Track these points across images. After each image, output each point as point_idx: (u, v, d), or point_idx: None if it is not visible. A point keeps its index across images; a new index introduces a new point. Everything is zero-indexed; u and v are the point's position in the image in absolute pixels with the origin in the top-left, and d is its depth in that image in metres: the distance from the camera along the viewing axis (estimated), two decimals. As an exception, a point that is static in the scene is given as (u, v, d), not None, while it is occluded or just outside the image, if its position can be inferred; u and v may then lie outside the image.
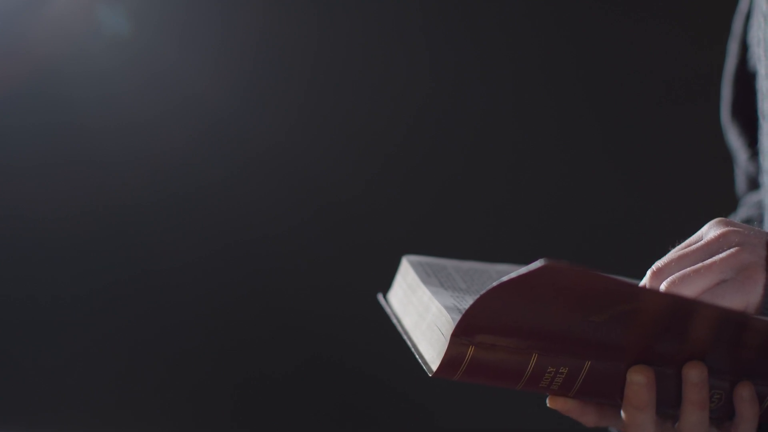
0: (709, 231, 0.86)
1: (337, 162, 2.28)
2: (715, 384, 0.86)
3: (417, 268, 0.95)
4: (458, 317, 0.81)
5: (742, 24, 1.21)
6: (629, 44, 2.28)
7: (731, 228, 0.85)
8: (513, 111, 2.30)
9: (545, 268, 0.74)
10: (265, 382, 2.30)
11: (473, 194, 2.29)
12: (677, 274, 0.84)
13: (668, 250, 0.86)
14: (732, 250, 0.84)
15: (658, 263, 0.85)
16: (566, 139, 2.30)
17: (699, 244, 0.85)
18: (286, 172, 2.27)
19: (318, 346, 2.29)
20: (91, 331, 2.26)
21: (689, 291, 0.83)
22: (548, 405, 0.86)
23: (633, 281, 0.85)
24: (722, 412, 0.87)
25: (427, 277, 0.93)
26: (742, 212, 1.22)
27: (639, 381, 0.84)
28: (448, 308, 0.85)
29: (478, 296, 0.78)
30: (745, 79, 1.20)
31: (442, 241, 2.27)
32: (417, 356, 0.86)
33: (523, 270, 0.75)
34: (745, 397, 0.86)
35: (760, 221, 1.16)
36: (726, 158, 1.32)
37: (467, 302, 0.81)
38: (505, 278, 0.76)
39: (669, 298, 0.80)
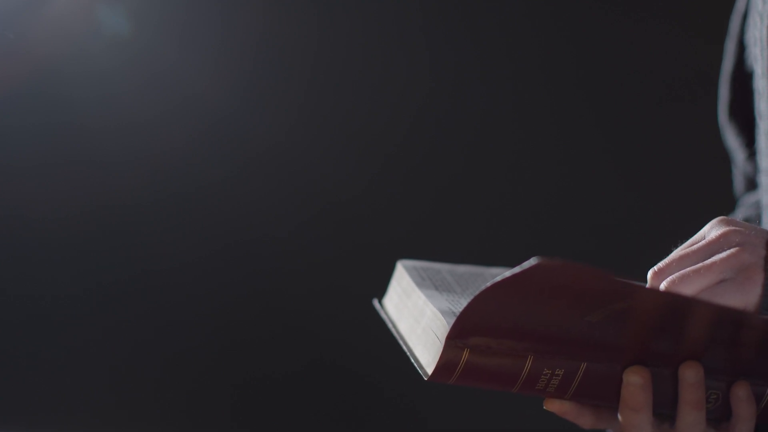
0: (711, 230, 0.86)
1: (337, 162, 2.28)
2: (711, 384, 0.86)
3: (412, 272, 0.95)
4: (453, 321, 0.81)
5: (739, 24, 1.21)
6: (629, 44, 2.28)
7: (732, 227, 0.85)
8: (513, 111, 2.30)
9: (539, 267, 0.74)
10: (264, 383, 2.30)
11: (473, 194, 2.29)
12: (677, 274, 0.84)
13: (671, 251, 0.86)
14: (732, 250, 0.84)
15: (660, 264, 0.85)
16: (566, 139, 2.29)
17: (700, 244, 0.85)
18: (286, 172, 2.27)
19: (318, 346, 2.29)
20: (91, 331, 2.26)
21: (688, 291, 0.83)
22: (545, 407, 0.86)
23: (628, 279, 0.85)
24: (719, 413, 0.87)
25: (422, 281, 0.93)
26: (740, 212, 1.22)
27: (635, 382, 0.84)
28: (443, 312, 0.85)
29: (472, 297, 0.78)
30: (743, 79, 1.20)
31: (442, 241, 2.27)
32: (413, 361, 0.86)
33: (517, 269, 0.75)
34: (741, 396, 0.86)
35: (758, 221, 1.16)
36: (724, 158, 1.32)
37: (462, 306, 0.81)
38: (498, 278, 0.76)
39: (663, 295, 0.80)
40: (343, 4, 2.26)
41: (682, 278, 0.84)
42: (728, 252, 0.84)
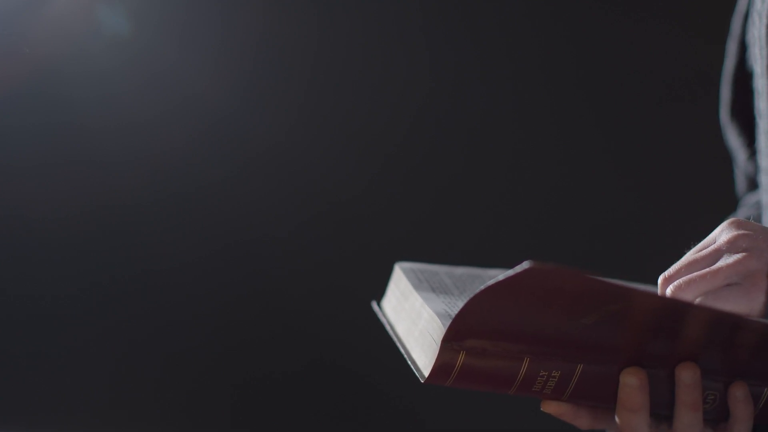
0: (721, 234, 0.86)
1: (337, 162, 2.28)
2: (709, 385, 0.86)
3: (409, 274, 0.95)
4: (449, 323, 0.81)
5: (740, 24, 1.20)
6: (629, 44, 2.28)
7: (742, 232, 0.85)
8: (513, 111, 2.30)
9: (531, 271, 0.74)
10: (264, 383, 2.30)
11: (474, 194, 2.29)
12: (683, 279, 0.84)
13: (683, 254, 0.87)
14: (738, 256, 0.84)
15: (670, 270, 0.86)
16: (566, 139, 2.29)
17: (709, 249, 0.85)
18: (286, 172, 2.27)
19: (318, 346, 2.29)
20: (91, 331, 2.26)
21: (694, 295, 0.83)
22: (542, 409, 0.86)
23: (622, 283, 0.85)
24: (717, 413, 0.87)
25: (419, 283, 0.93)
26: (742, 213, 1.22)
27: (632, 383, 0.84)
28: (439, 314, 0.85)
29: (466, 301, 0.78)
30: (744, 79, 1.20)
31: (442, 241, 2.27)
32: (410, 363, 0.86)
33: (510, 272, 0.75)
34: (739, 397, 0.86)
35: (759, 221, 1.16)
36: (726, 158, 1.32)
37: (458, 308, 0.81)
38: (491, 281, 0.76)
39: (657, 299, 0.80)
40: (343, 4, 2.26)
41: (688, 283, 0.84)
42: (735, 258, 0.84)
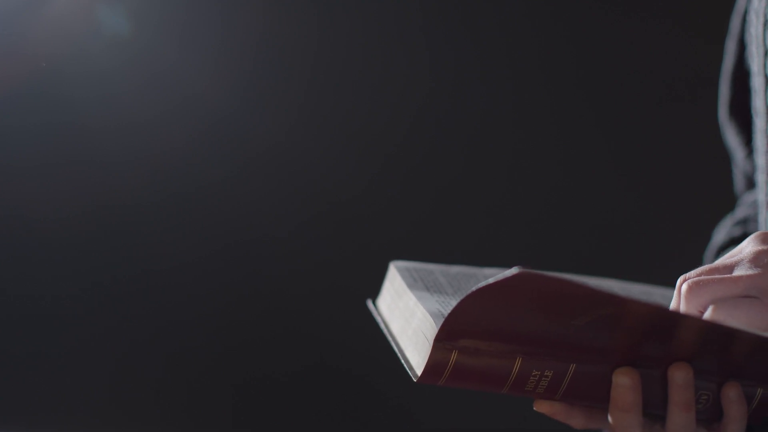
0: (747, 246, 0.86)
1: (337, 162, 2.28)
2: (702, 385, 0.85)
3: (404, 273, 0.95)
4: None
5: (739, 23, 1.21)
6: (629, 44, 2.28)
7: (766, 247, 0.85)
8: (513, 111, 2.30)
9: (519, 276, 0.75)
10: (264, 383, 2.30)
11: (474, 194, 2.29)
12: (699, 278, 0.84)
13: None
14: (759, 270, 0.84)
15: (690, 273, 0.85)
16: (566, 139, 2.29)
17: (733, 258, 0.85)
18: (286, 172, 2.27)
19: (318, 347, 2.29)
20: (91, 331, 2.26)
21: (707, 297, 0.83)
22: (534, 408, 0.86)
23: (612, 289, 0.85)
24: (710, 413, 0.87)
25: (414, 282, 0.94)
26: (740, 212, 1.22)
27: (624, 383, 0.84)
28: (432, 314, 0.85)
29: (457, 301, 0.78)
30: (743, 77, 1.20)
31: (443, 241, 2.27)
32: (403, 362, 0.86)
33: (500, 276, 0.75)
34: (732, 397, 0.86)
35: (756, 220, 1.16)
36: (725, 158, 1.32)
37: (451, 307, 0.81)
38: (482, 284, 0.76)
39: (648, 307, 0.80)
40: (343, 4, 2.26)
41: (704, 284, 0.83)
42: (757, 271, 0.84)
